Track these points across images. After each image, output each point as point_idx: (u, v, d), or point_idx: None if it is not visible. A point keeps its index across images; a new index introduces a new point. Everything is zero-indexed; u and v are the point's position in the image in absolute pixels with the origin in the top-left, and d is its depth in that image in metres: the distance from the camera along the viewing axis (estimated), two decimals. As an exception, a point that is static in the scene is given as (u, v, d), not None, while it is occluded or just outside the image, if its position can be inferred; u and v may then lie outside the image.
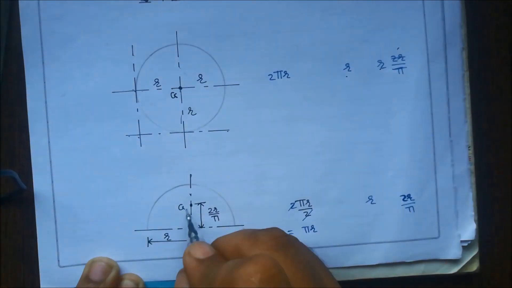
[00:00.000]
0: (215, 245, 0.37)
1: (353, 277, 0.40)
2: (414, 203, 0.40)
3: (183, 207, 0.40)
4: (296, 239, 0.36)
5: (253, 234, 0.35)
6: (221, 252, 0.36)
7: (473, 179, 0.40)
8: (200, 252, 0.35)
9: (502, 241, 0.42)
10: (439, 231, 0.40)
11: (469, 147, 0.40)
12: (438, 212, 0.40)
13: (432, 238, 0.40)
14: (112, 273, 0.39)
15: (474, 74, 0.41)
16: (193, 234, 0.38)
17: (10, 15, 0.40)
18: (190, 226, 0.39)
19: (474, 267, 0.40)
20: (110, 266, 0.39)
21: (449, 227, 0.40)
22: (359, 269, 0.40)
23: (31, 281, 0.41)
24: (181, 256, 0.39)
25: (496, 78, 0.42)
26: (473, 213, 0.40)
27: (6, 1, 0.40)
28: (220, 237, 0.37)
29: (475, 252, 0.40)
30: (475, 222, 0.40)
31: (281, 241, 0.34)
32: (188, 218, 0.39)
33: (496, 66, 0.42)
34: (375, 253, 0.40)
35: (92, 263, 0.39)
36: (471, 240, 0.40)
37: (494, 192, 0.42)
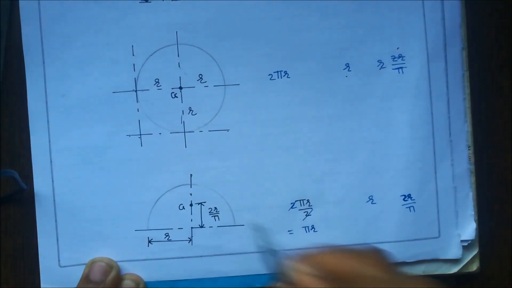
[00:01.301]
0: (313, 261, 0.31)
1: (353, 277, 0.40)
2: (415, 203, 0.40)
3: (183, 207, 0.40)
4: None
5: (356, 254, 0.31)
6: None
7: (473, 179, 0.40)
8: (305, 267, 0.31)
9: (502, 241, 0.42)
10: (439, 231, 0.40)
11: (469, 147, 0.40)
12: (438, 211, 0.40)
13: (433, 238, 0.40)
14: (112, 273, 0.39)
15: (474, 74, 0.41)
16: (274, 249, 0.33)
17: (10, 15, 0.40)
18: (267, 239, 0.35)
19: (474, 267, 0.40)
20: (110, 266, 0.39)
21: (449, 227, 0.40)
22: (359, 269, 0.40)
23: (31, 281, 0.41)
24: (182, 256, 0.39)
25: (496, 78, 0.42)
26: (473, 213, 0.40)
27: (6, 1, 0.40)
28: (309, 255, 0.31)
29: (475, 252, 0.40)
30: (475, 222, 0.40)
31: (390, 263, 0.31)
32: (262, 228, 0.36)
33: (496, 66, 0.42)
34: (375, 253, 0.40)
35: (92, 263, 0.39)
36: (471, 240, 0.40)
37: (494, 192, 0.42)
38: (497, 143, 0.42)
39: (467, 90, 0.40)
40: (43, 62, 0.39)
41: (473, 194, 0.40)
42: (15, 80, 0.41)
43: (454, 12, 0.40)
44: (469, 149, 0.40)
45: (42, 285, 0.40)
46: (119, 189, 0.40)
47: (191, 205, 0.40)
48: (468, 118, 0.40)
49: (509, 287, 0.42)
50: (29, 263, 0.41)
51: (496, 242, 0.42)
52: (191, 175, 0.40)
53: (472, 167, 0.40)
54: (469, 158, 0.40)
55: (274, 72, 0.40)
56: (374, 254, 0.32)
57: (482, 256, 0.41)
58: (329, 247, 0.32)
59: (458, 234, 0.40)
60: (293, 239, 0.40)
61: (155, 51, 0.40)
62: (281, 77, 0.40)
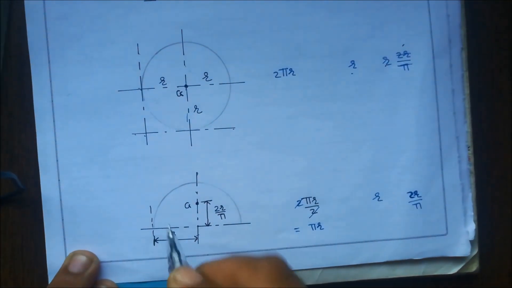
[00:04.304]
0: (202, 271, 0.32)
1: (354, 278, 0.40)
2: (421, 199, 0.40)
3: (189, 205, 0.40)
4: (291, 270, 0.33)
5: (251, 262, 0.31)
6: (209, 279, 0.31)
7: (473, 179, 0.40)
8: (188, 278, 0.31)
9: (502, 241, 0.42)
10: (447, 228, 0.40)
11: (468, 147, 0.40)
12: (445, 208, 0.40)
13: (440, 235, 0.40)
14: (92, 267, 0.38)
15: (474, 74, 0.41)
16: (175, 256, 0.34)
17: (10, 15, 0.40)
18: (172, 245, 0.34)
19: (474, 267, 0.40)
20: (91, 260, 0.39)
21: (457, 224, 0.40)
22: (359, 270, 0.40)
23: (31, 281, 0.41)
24: (188, 254, 0.39)
25: (496, 78, 0.42)
26: (473, 213, 0.40)
27: (6, 1, 0.40)
28: (208, 263, 0.33)
29: (475, 252, 0.40)
30: (475, 222, 0.40)
31: (283, 273, 0.31)
32: (171, 236, 0.34)
33: (496, 66, 0.42)
34: (382, 251, 0.40)
35: (73, 255, 0.39)
36: (471, 240, 0.40)
37: (494, 192, 0.42)
38: (497, 143, 0.42)
39: (467, 90, 0.40)
40: (49, 61, 0.39)
41: (473, 194, 0.40)
42: (15, 81, 0.41)
43: (455, 13, 0.40)
44: (468, 149, 0.40)
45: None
46: (125, 188, 0.40)
47: (197, 203, 0.40)
48: (468, 118, 0.40)
49: (509, 287, 0.42)
50: (29, 263, 0.41)
51: (496, 242, 0.42)
52: (197, 173, 0.40)
53: (472, 167, 0.40)
54: (469, 158, 0.40)
55: (279, 70, 0.40)
56: (270, 263, 0.31)
57: (482, 256, 0.41)
58: (229, 256, 0.33)
59: (466, 231, 0.40)
60: (300, 236, 0.40)
61: (160, 50, 0.40)
62: (286, 75, 0.40)
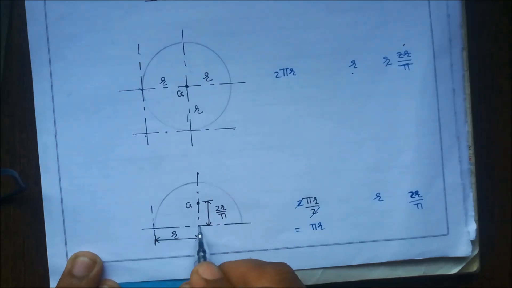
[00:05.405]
0: (222, 268, 0.37)
1: (354, 278, 0.40)
2: (422, 199, 0.40)
3: (190, 205, 0.40)
4: (297, 277, 0.36)
5: (261, 266, 0.35)
6: (227, 276, 0.36)
7: (473, 179, 0.40)
8: (208, 273, 0.36)
9: (502, 241, 0.42)
10: (448, 228, 0.40)
11: (469, 147, 0.40)
12: (446, 208, 0.40)
13: (441, 235, 0.40)
14: (96, 269, 0.38)
15: (474, 74, 0.41)
16: (201, 253, 0.39)
17: (10, 15, 0.40)
18: (200, 244, 0.39)
19: (474, 267, 0.40)
20: (94, 261, 0.39)
21: (458, 224, 0.40)
22: (360, 270, 0.40)
23: (31, 281, 0.41)
24: (188, 254, 0.39)
25: (496, 78, 0.42)
26: (473, 213, 0.40)
27: (7, 1, 0.40)
28: (228, 262, 0.37)
29: (475, 252, 0.40)
30: (475, 222, 0.40)
31: (287, 277, 0.34)
32: (200, 236, 0.39)
33: (496, 66, 0.42)
34: (383, 251, 0.40)
35: (75, 258, 0.39)
36: (471, 240, 0.40)
37: (494, 192, 0.42)
38: (497, 143, 0.42)
39: (467, 90, 0.40)
40: (49, 62, 0.39)
41: (473, 194, 0.40)
42: (15, 80, 0.41)
43: (455, 13, 0.40)
44: (469, 149, 0.40)
45: (51, 285, 0.39)
46: (126, 187, 0.40)
47: (198, 203, 0.40)
48: (469, 118, 0.40)
49: (509, 287, 0.42)
50: (29, 263, 0.41)
51: (496, 242, 0.42)
52: (197, 173, 0.40)
53: (473, 167, 0.40)
54: (470, 158, 0.40)
55: (279, 70, 0.40)
56: (276, 268, 0.35)
57: (482, 256, 0.41)
58: (245, 258, 0.39)
59: (467, 231, 0.40)
60: (300, 236, 0.40)
61: (161, 50, 0.40)
62: (287, 75, 0.40)
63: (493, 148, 0.42)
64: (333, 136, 0.40)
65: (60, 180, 0.39)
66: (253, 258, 0.39)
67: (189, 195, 0.40)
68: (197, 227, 0.40)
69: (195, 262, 0.38)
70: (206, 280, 0.35)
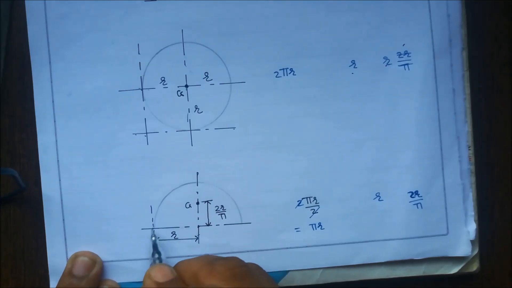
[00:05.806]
0: (177, 268, 0.37)
1: (354, 278, 0.40)
2: (422, 199, 0.40)
3: (190, 205, 0.40)
4: (257, 267, 0.36)
5: (211, 263, 0.35)
6: (181, 275, 0.36)
7: (473, 179, 0.40)
8: (160, 275, 0.36)
9: (502, 241, 0.42)
10: (447, 228, 0.40)
11: (469, 147, 0.40)
12: (446, 208, 0.40)
13: (441, 235, 0.40)
14: (96, 268, 0.38)
15: (474, 74, 0.41)
16: (156, 255, 0.38)
17: (10, 15, 0.40)
18: (154, 246, 0.39)
19: (474, 267, 0.40)
20: (94, 261, 0.39)
21: (457, 224, 0.40)
22: (360, 270, 0.40)
23: (31, 281, 0.41)
24: (189, 254, 0.39)
25: (496, 78, 0.42)
26: (473, 213, 0.40)
27: (7, 1, 0.40)
28: (182, 261, 0.37)
29: (475, 252, 0.40)
30: (475, 222, 0.40)
31: (237, 272, 0.34)
32: (153, 238, 0.39)
33: (496, 66, 0.42)
34: (383, 251, 0.40)
35: (75, 257, 0.39)
36: (471, 240, 0.40)
37: (494, 192, 0.42)
38: (497, 143, 0.42)
39: (467, 90, 0.40)
40: (49, 62, 0.39)
41: (473, 194, 0.40)
42: (15, 80, 0.41)
43: (455, 13, 0.40)
44: (469, 149, 0.40)
45: (51, 285, 0.39)
46: (125, 187, 0.40)
47: (197, 203, 0.40)
48: (469, 118, 0.40)
49: (509, 287, 0.42)
50: (29, 263, 0.41)
51: (496, 242, 0.42)
52: (197, 173, 0.40)
53: (473, 167, 0.40)
54: (470, 158, 0.40)
55: (279, 70, 0.40)
56: (225, 264, 0.34)
57: (482, 256, 0.41)
58: (199, 256, 0.37)
59: (467, 231, 0.40)
60: (300, 236, 0.40)
61: (161, 50, 0.40)
62: (286, 75, 0.40)
63: (493, 148, 0.42)
64: (333, 136, 0.40)
65: (60, 180, 0.39)
66: (210, 254, 0.38)
67: (189, 195, 0.40)
68: (151, 230, 0.39)
69: (151, 264, 0.38)
70: (157, 283, 0.35)
